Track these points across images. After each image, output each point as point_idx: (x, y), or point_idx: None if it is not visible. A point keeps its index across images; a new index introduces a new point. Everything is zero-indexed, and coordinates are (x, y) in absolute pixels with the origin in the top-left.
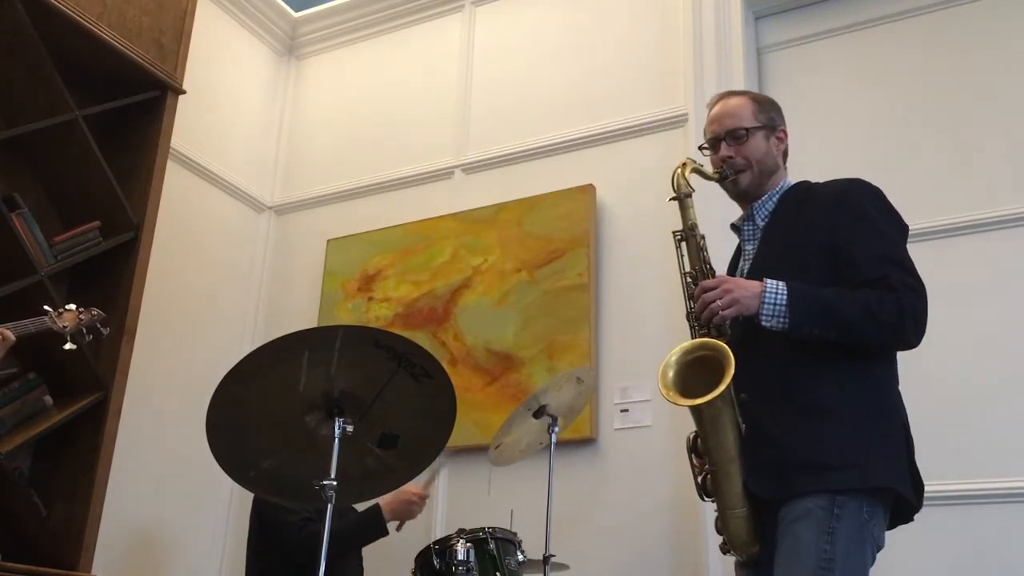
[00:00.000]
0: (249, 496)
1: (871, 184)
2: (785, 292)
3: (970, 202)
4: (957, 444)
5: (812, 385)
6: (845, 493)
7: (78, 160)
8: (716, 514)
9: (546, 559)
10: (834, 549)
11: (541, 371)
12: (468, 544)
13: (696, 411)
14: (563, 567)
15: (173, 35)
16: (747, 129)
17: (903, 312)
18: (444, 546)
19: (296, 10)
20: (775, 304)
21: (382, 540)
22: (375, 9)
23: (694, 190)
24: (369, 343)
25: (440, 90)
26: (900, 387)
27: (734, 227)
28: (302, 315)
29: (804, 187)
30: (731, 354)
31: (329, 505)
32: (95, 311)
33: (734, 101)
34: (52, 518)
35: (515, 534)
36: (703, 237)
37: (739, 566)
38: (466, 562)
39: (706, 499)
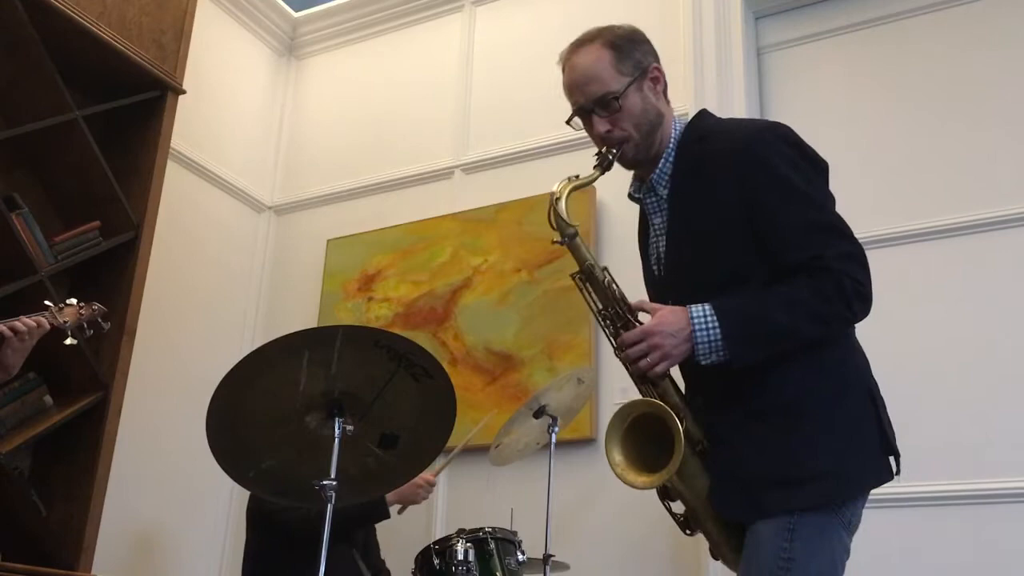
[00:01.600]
0: (248, 496)
1: (774, 126)
2: (716, 323)
3: (970, 202)
4: (957, 444)
5: (765, 389)
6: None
7: (78, 160)
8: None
9: (546, 559)
10: (792, 547)
11: (541, 371)
12: (468, 544)
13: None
14: (563, 567)
15: (173, 35)
16: (616, 95)
17: (847, 296)
18: (444, 546)
19: (296, 10)
20: (709, 341)
21: (383, 540)
22: (375, 9)
23: (577, 225)
24: (369, 343)
25: (440, 90)
26: (887, 386)
27: (632, 197)
28: (302, 315)
29: (697, 135)
30: (671, 412)
31: (329, 505)
32: (96, 305)
33: (588, 58)
34: (52, 518)
35: (515, 534)
36: (605, 269)
37: None
38: (466, 562)
39: (690, 534)
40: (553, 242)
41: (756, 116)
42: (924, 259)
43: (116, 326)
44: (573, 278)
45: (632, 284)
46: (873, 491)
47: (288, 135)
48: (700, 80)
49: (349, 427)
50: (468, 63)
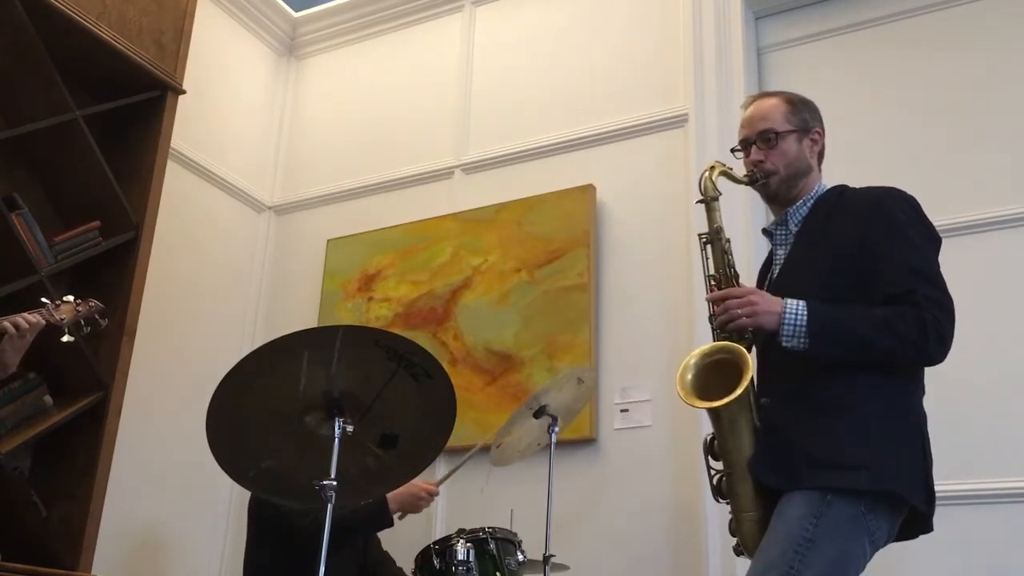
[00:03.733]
0: (248, 496)
1: (906, 193)
2: (805, 314)
3: (970, 202)
4: (957, 444)
5: (829, 385)
6: (845, 491)
7: (78, 160)
8: (731, 516)
9: (546, 559)
10: (816, 531)
11: (541, 371)
12: (468, 544)
13: (714, 414)
14: (563, 567)
15: (173, 35)
16: (777, 133)
17: (926, 328)
18: (444, 546)
19: (296, 10)
20: (795, 325)
21: (383, 541)
22: (375, 9)
23: (721, 193)
24: (369, 343)
25: (440, 90)
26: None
27: (766, 232)
28: (302, 315)
29: (838, 191)
30: (748, 357)
31: (329, 505)
32: (92, 302)
33: (767, 103)
34: (52, 518)
35: (515, 534)
36: (728, 241)
37: None
38: (466, 562)
39: (720, 501)
40: (697, 202)
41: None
42: None
43: (116, 326)
44: (699, 237)
45: (632, 284)
46: None
47: (288, 135)
48: (700, 80)
49: (349, 427)
50: (468, 63)
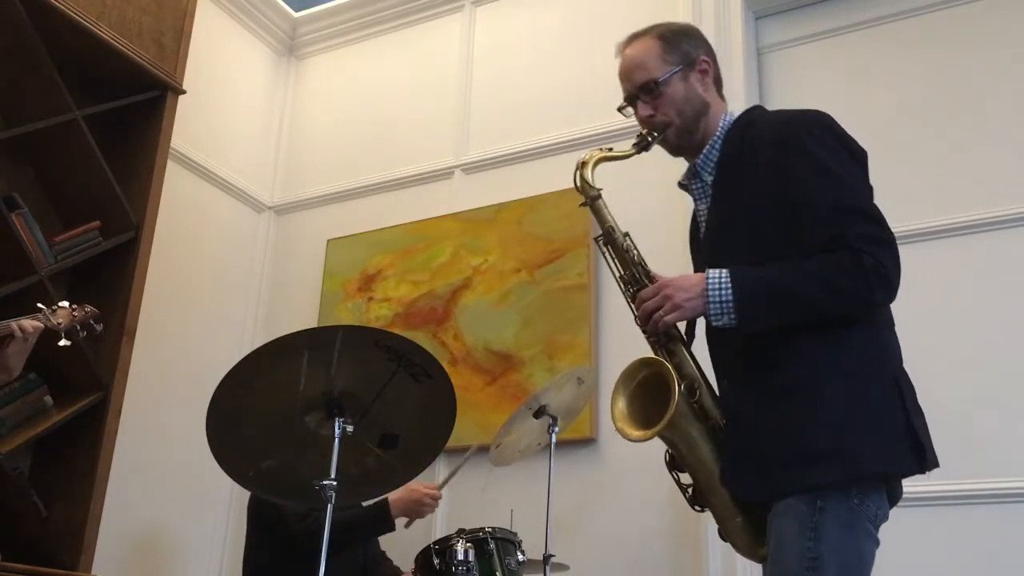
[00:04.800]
0: (248, 496)
1: (815, 114)
2: (729, 284)
3: (970, 202)
4: (956, 444)
5: (785, 365)
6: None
7: (78, 160)
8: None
9: (546, 559)
10: (818, 547)
11: (541, 371)
12: (468, 544)
13: (662, 436)
14: (563, 567)
15: (173, 35)
16: (657, 81)
17: (867, 274)
18: (444, 546)
19: (296, 10)
20: (721, 301)
21: (383, 541)
22: (375, 9)
23: (602, 189)
24: (369, 343)
25: (440, 90)
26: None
27: (682, 185)
28: (302, 315)
29: (745, 122)
30: (670, 368)
31: (329, 505)
32: (88, 307)
33: (637, 48)
34: (52, 518)
35: (515, 534)
36: (627, 235)
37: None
38: (466, 562)
39: (699, 510)
40: (580, 205)
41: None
42: (923, 259)
43: (116, 326)
44: (596, 241)
45: None
46: None
47: (288, 135)
48: None
49: (349, 427)
50: (468, 63)
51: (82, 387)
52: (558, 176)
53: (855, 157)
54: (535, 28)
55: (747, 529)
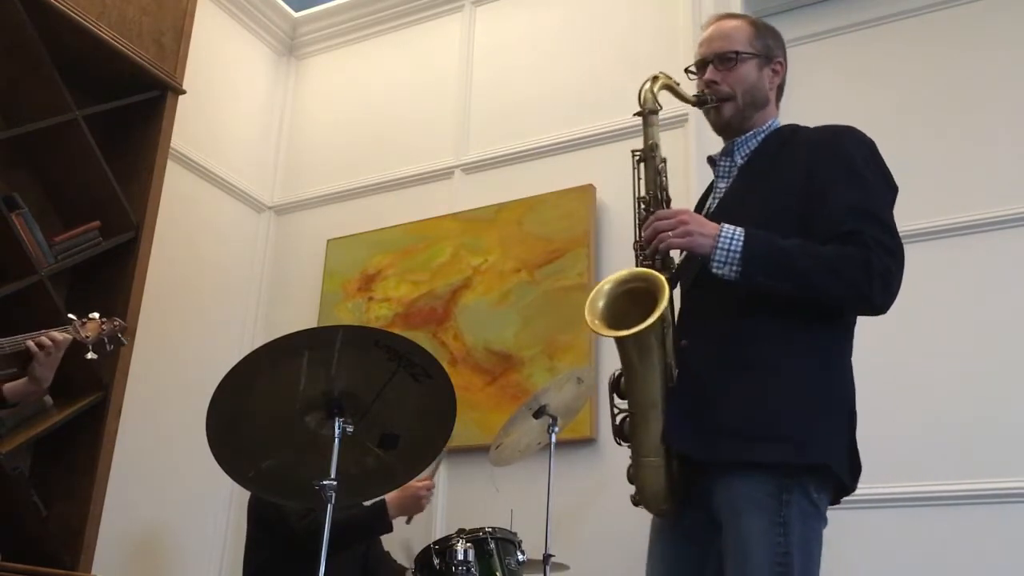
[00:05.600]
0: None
1: (864, 134)
2: (741, 239)
3: (970, 202)
4: (956, 444)
5: (757, 340)
6: (788, 475)
7: (78, 160)
8: (630, 460)
9: (546, 559)
10: (788, 540)
11: (541, 371)
12: (468, 544)
13: (622, 345)
14: (563, 567)
15: (173, 35)
16: (737, 53)
17: (871, 271)
18: (444, 546)
19: (296, 10)
20: (728, 250)
21: (384, 539)
22: (375, 9)
23: (661, 107)
24: (369, 343)
25: (440, 90)
26: (888, 386)
27: (711, 160)
28: (302, 315)
29: (791, 129)
30: (665, 285)
31: (329, 505)
32: (117, 321)
33: (730, 23)
34: (52, 518)
35: (515, 534)
36: (664, 161)
37: (655, 532)
38: (466, 562)
39: (621, 443)
40: (634, 114)
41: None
42: (923, 259)
43: None
44: (632, 154)
45: None
46: (872, 491)
47: (288, 135)
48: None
49: (349, 427)
50: (468, 63)
51: (82, 387)
52: (558, 176)
53: (889, 182)
54: (535, 28)
55: (662, 475)
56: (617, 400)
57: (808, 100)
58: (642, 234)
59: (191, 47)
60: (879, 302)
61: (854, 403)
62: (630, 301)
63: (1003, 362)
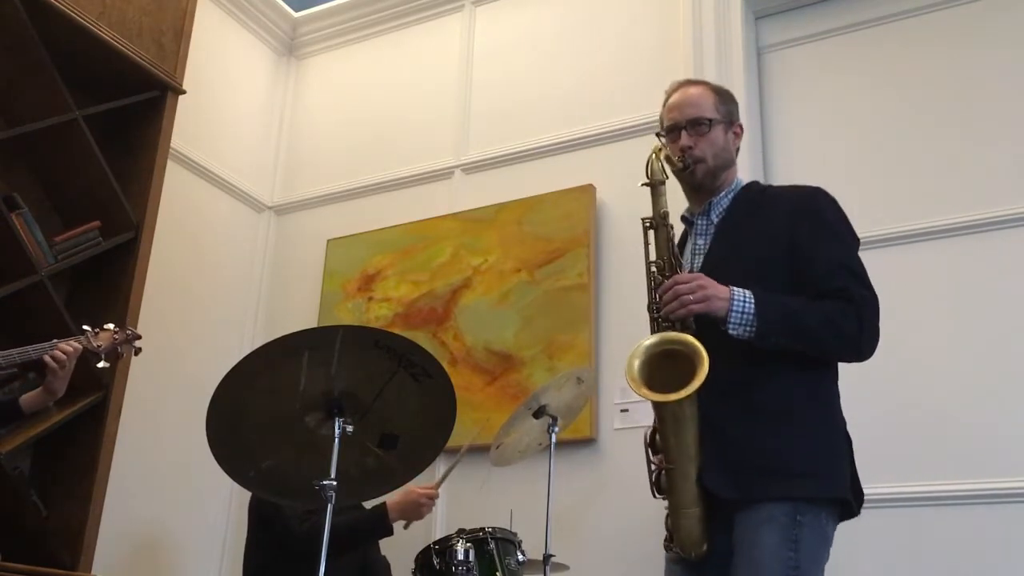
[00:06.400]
0: (248, 496)
1: (828, 193)
2: (752, 301)
3: (970, 202)
4: (956, 444)
5: (764, 388)
6: (807, 502)
7: (78, 160)
8: (667, 512)
9: (546, 559)
10: (798, 556)
11: (541, 371)
12: (468, 544)
13: (659, 407)
14: (563, 567)
15: (173, 35)
16: (709, 120)
17: (863, 324)
18: (444, 546)
19: (296, 10)
20: (743, 312)
21: (383, 541)
22: (375, 9)
23: (668, 177)
24: (369, 343)
25: (440, 90)
26: (888, 387)
27: (684, 219)
28: (302, 315)
29: (758, 189)
30: (704, 352)
31: (329, 505)
32: (130, 330)
33: (695, 90)
34: (52, 518)
35: (515, 534)
36: (672, 227)
37: (672, 563)
38: (466, 562)
39: (657, 496)
40: (642, 184)
41: (755, 116)
42: (923, 260)
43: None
44: (643, 222)
45: (632, 284)
46: (873, 491)
47: (288, 135)
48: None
49: (349, 427)
50: (468, 63)
51: (82, 387)
52: (558, 176)
53: (855, 238)
54: (535, 28)
55: (700, 523)
56: (652, 456)
57: (809, 100)
58: (660, 297)
59: (191, 47)
60: (868, 351)
61: (850, 438)
62: (664, 363)
63: (1003, 362)
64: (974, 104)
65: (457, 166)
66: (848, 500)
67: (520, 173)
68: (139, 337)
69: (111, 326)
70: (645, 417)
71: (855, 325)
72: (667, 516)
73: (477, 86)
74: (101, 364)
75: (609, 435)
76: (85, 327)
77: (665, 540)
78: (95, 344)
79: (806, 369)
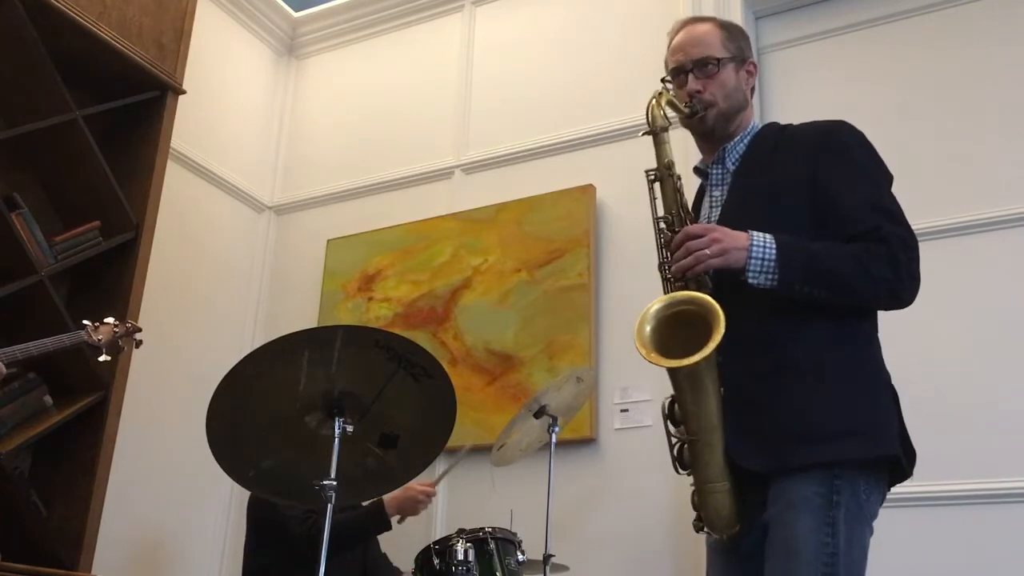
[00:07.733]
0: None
1: (854, 126)
2: (774, 246)
3: (970, 202)
4: (956, 444)
5: (794, 342)
6: (843, 471)
7: (78, 160)
8: (692, 488)
9: (546, 559)
10: (836, 541)
11: (541, 371)
12: (468, 544)
13: (675, 374)
14: (563, 568)
15: (173, 35)
16: (718, 60)
17: (898, 267)
18: (444, 546)
19: (296, 10)
20: (763, 259)
21: (383, 540)
22: (375, 9)
23: (671, 124)
24: (369, 343)
25: (440, 90)
26: (901, 382)
27: (698, 170)
28: (302, 315)
29: (778, 128)
30: (719, 310)
31: (329, 505)
32: (130, 323)
33: (701, 27)
34: (52, 518)
35: (515, 534)
36: (679, 178)
37: (713, 551)
38: (466, 562)
39: (681, 472)
40: (643, 134)
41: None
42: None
43: None
44: (647, 174)
45: (632, 284)
46: None
47: (288, 135)
48: None
49: (349, 427)
50: (468, 63)
51: (82, 387)
52: (558, 176)
53: (887, 174)
54: (535, 28)
55: (731, 498)
56: (672, 428)
57: (808, 100)
58: (671, 255)
59: (191, 47)
60: (908, 298)
61: (893, 387)
62: (676, 325)
63: (1003, 362)
64: (974, 104)
65: (457, 166)
66: (897, 456)
67: (520, 173)
68: (139, 330)
69: (111, 320)
70: (645, 417)
71: (888, 267)
72: (692, 493)
73: (477, 86)
74: (102, 358)
75: (609, 435)
76: (85, 322)
77: (695, 521)
78: (96, 338)
79: (841, 320)
